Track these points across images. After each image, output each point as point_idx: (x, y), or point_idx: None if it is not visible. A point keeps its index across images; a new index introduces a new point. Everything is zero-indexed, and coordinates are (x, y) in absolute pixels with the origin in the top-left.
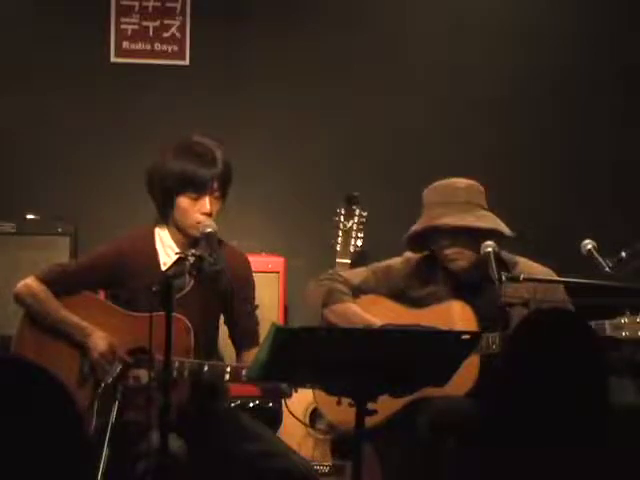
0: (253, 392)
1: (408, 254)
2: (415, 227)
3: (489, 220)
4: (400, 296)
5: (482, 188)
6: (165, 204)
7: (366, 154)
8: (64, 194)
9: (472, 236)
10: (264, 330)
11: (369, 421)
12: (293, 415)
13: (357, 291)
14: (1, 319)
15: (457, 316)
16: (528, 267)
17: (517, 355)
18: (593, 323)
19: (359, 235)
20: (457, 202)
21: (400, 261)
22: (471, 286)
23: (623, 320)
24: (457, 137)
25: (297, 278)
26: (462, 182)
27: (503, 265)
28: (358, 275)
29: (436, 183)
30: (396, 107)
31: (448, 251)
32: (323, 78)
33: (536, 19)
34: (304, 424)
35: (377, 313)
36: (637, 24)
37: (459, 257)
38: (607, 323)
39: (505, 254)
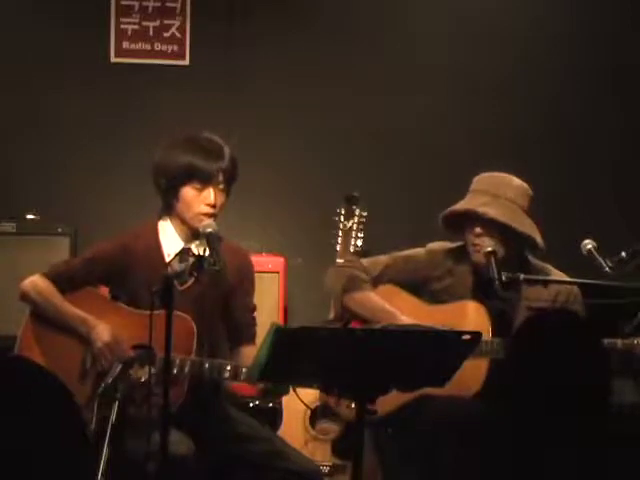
0: (253, 392)
1: (431, 245)
2: (456, 206)
3: (527, 226)
4: (419, 287)
5: (531, 192)
6: (169, 195)
7: (366, 154)
8: (64, 194)
9: (505, 234)
10: (264, 330)
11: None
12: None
13: (376, 280)
14: (2, 319)
15: (471, 316)
16: (555, 276)
17: (519, 356)
18: (605, 341)
19: (359, 235)
20: (503, 197)
21: (423, 252)
22: (490, 285)
23: (636, 341)
24: (457, 137)
25: (297, 278)
26: (514, 180)
27: (528, 270)
28: (378, 264)
29: (490, 173)
30: (396, 107)
31: (476, 240)
32: (323, 78)
33: (536, 19)
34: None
35: (394, 305)
36: (637, 24)
37: (482, 249)
38: (619, 342)
39: (533, 260)
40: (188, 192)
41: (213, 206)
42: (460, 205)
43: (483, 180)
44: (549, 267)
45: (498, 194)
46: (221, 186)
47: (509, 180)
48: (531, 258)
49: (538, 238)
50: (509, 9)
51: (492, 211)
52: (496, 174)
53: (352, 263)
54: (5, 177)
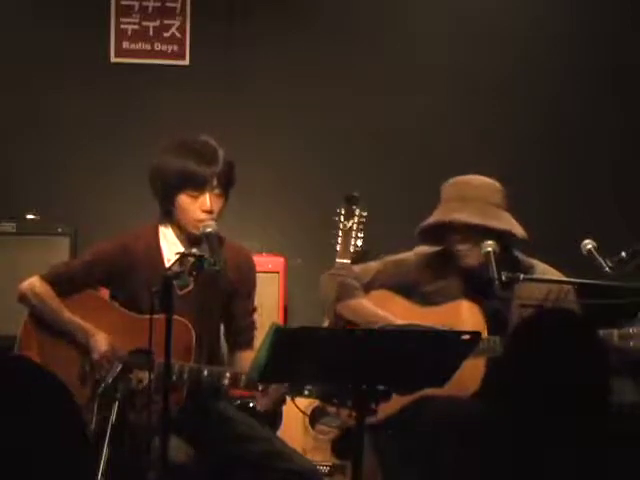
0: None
1: (421, 248)
2: (428, 220)
3: (502, 221)
4: (410, 290)
5: (500, 187)
6: (167, 202)
7: (366, 154)
8: (64, 194)
9: (484, 235)
10: (264, 330)
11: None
12: (296, 406)
13: (368, 287)
14: (2, 319)
15: (465, 316)
16: (543, 270)
17: (517, 355)
18: (601, 332)
19: (359, 235)
20: (473, 199)
21: (413, 254)
22: (483, 284)
23: (632, 330)
24: (457, 137)
25: (297, 278)
26: (480, 180)
27: (518, 267)
28: (370, 270)
29: (455, 178)
30: (396, 107)
31: (459, 247)
32: (323, 78)
33: (536, 19)
34: (304, 413)
35: (387, 310)
36: (637, 24)
37: (469, 254)
38: (615, 332)
39: (521, 256)
40: (184, 199)
41: (210, 212)
42: (431, 219)
43: (448, 188)
44: (536, 263)
45: (465, 197)
46: (217, 191)
47: (473, 181)
48: (519, 255)
49: (515, 230)
50: (509, 9)
51: (463, 216)
52: (458, 178)
53: (344, 271)
54: (5, 177)
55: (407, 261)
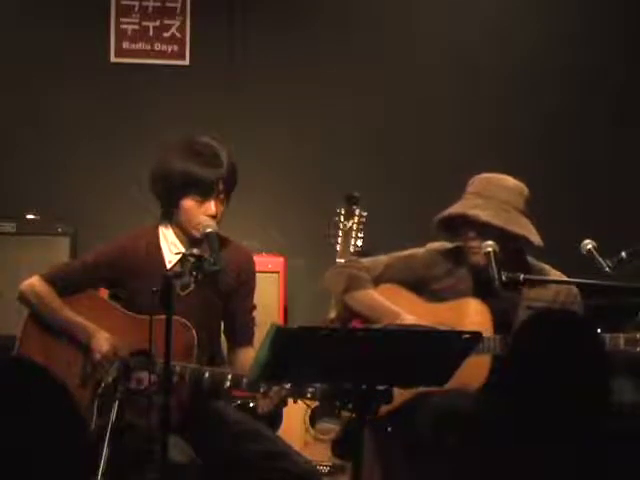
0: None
1: (431, 245)
2: (448, 211)
3: (520, 225)
4: (419, 286)
5: (527, 192)
6: (169, 204)
7: (366, 154)
8: (64, 194)
9: (499, 236)
10: (264, 330)
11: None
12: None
13: (377, 280)
14: (2, 319)
15: (472, 314)
16: (554, 275)
17: (519, 354)
18: (607, 336)
19: (359, 235)
20: (496, 199)
21: (423, 251)
22: (491, 284)
23: (638, 335)
24: (457, 137)
25: (297, 278)
26: (507, 181)
27: (528, 271)
28: (379, 264)
29: (484, 174)
30: (396, 107)
31: (471, 243)
32: (323, 78)
33: (536, 20)
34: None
35: (395, 304)
36: (637, 25)
37: (479, 252)
38: (622, 337)
39: (532, 260)
40: (188, 203)
41: (214, 216)
42: (452, 209)
43: (476, 182)
44: (548, 268)
45: (490, 196)
46: (222, 196)
47: (502, 181)
48: (530, 259)
49: (532, 237)
50: (509, 9)
51: (484, 214)
52: (490, 175)
53: (353, 263)
54: (5, 177)
55: (416, 257)
